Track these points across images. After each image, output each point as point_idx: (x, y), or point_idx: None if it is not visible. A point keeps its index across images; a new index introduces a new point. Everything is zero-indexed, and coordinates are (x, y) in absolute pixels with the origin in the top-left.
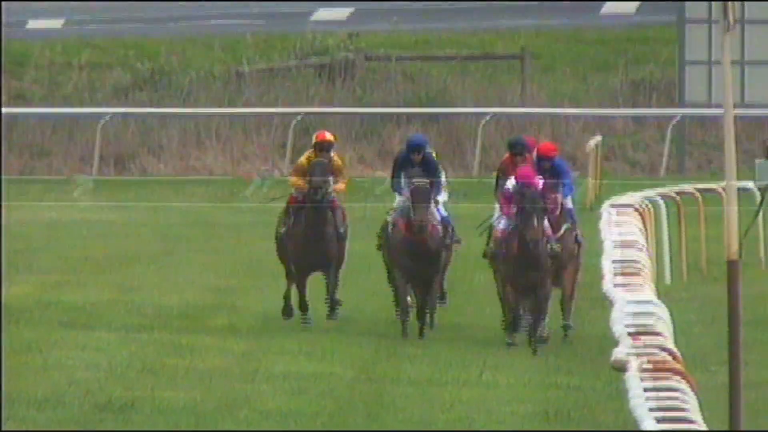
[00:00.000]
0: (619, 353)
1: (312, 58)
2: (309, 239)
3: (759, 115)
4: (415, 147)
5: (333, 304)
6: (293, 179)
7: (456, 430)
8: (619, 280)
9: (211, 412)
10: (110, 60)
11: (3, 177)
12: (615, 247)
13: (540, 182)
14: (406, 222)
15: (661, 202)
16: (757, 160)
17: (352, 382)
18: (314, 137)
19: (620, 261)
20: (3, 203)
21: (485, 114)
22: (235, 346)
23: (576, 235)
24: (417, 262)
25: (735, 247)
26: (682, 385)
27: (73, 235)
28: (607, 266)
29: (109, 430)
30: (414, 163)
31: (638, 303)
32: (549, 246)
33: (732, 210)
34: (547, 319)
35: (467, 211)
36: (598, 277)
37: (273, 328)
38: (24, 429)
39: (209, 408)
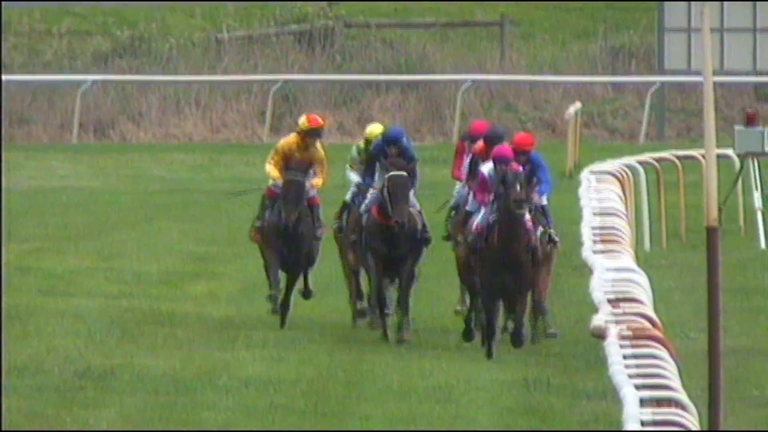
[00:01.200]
0: (598, 320)
1: (291, 26)
2: (284, 237)
3: (738, 82)
4: (392, 141)
5: (306, 295)
6: (270, 168)
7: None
8: (599, 247)
9: (191, 379)
10: (90, 27)
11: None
12: (594, 214)
13: (520, 168)
14: (378, 206)
15: (640, 169)
16: (737, 128)
17: (332, 349)
18: (302, 120)
19: (599, 228)
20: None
21: (464, 81)
22: (214, 314)
23: (550, 235)
24: (392, 247)
25: (714, 214)
26: (662, 352)
27: (53, 203)
28: (586, 233)
29: (88, 397)
30: (389, 156)
31: (617, 270)
32: (530, 239)
33: (711, 177)
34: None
35: (447, 179)
36: (578, 244)
37: (253, 296)
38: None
39: (189, 375)
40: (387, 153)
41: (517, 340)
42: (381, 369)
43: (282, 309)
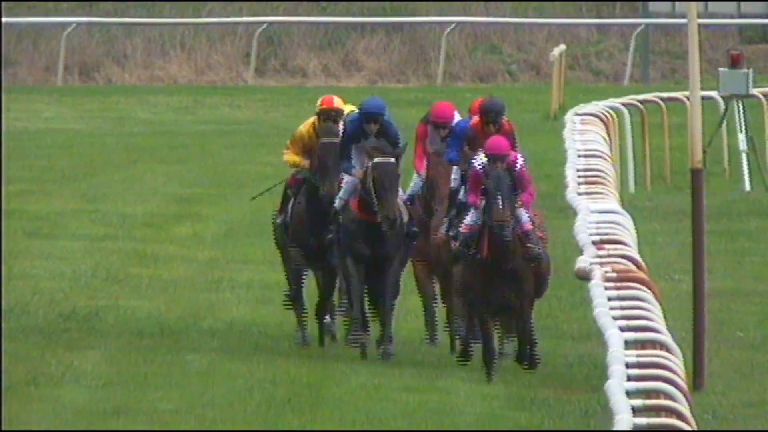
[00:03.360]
0: (582, 262)
1: None
2: (309, 225)
3: (723, 24)
4: (371, 115)
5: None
6: (289, 156)
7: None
8: (583, 189)
9: (175, 321)
10: None
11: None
12: (579, 156)
13: (519, 159)
14: (358, 200)
15: (625, 111)
16: (721, 70)
17: (315, 292)
18: (319, 102)
19: (584, 170)
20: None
21: (449, 23)
22: (199, 255)
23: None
24: (377, 247)
25: (699, 156)
26: (646, 294)
27: (38, 145)
28: (570, 175)
29: (73, 339)
30: (369, 135)
31: (602, 212)
32: (528, 246)
33: (696, 119)
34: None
35: None
36: (562, 186)
37: (237, 237)
38: None
39: (173, 317)
40: (366, 131)
41: (526, 357)
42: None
43: (320, 320)
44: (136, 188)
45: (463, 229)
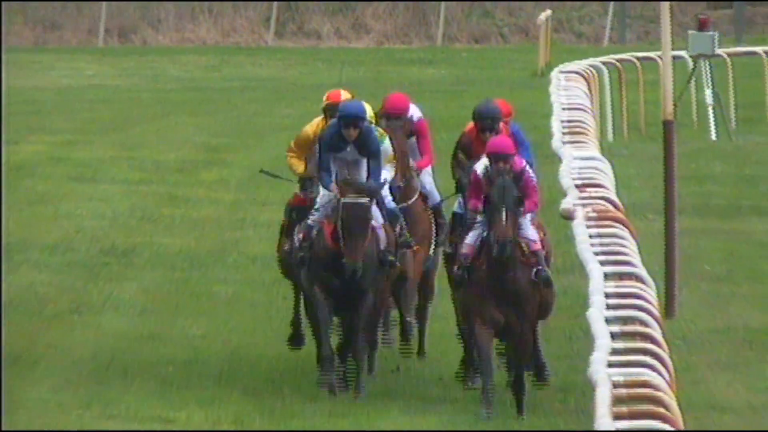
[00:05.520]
0: (566, 203)
1: None
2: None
3: None
4: (350, 119)
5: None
6: (293, 161)
7: None
8: (567, 138)
9: (204, 255)
10: None
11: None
12: (563, 109)
13: (523, 163)
14: (332, 227)
15: (604, 68)
16: (690, 32)
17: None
18: (325, 97)
19: (568, 121)
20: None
21: None
22: (224, 197)
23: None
24: (347, 280)
25: (670, 108)
26: (623, 231)
27: (82, 100)
28: (555, 126)
29: (112, 272)
30: (347, 142)
31: (584, 159)
32: (534, 271)
33: (667, 76)
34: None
35: (431, 77)
36: (548, 135)
37: (258, 181)
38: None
39: (202, 252)
40: (344, 137)
41: (518, 385)
42: None
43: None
44: (168, 138)
45: (464, 249)
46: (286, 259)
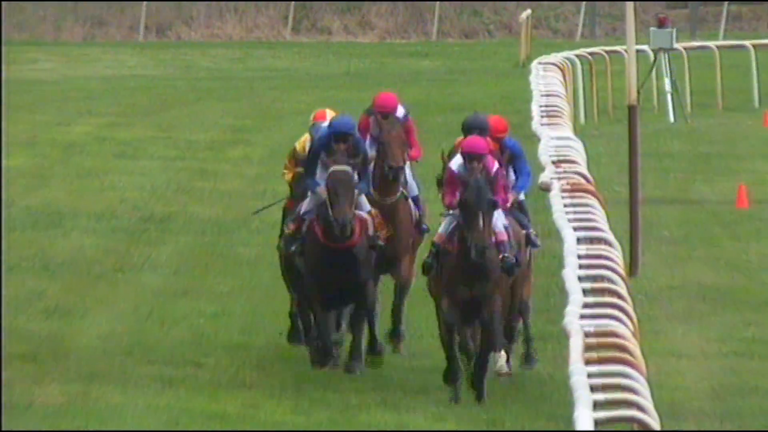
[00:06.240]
0: (544, 177)
1: None
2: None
3: None
4: (340, 135)
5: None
6: (289, 175)
7: None
8: (545, 120)
9: (230, 222)
10: None
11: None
12: (541, 95)
13: (495, 164)
14: (323, 225)
15: (577, 60)
16: (651, 29)
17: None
18: (312, 116)
19: (545, 106)
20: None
21: None
22: (248, 171)
23: (529, 236)
24: (339, 275)
25: (634, 95)
26: (593, 201)
27: (124, 87)
28: (535, 110)
29: (151, 237)
30: (335, 154)
31: (559, 138)
32: (502, 256)
33: (632, 67)
34: (504, 354)
35: (427, 68)
36: (528, 118)
37: (278, 158)
38: None
39: (228, 219)
40: (333, 149)
41: (480, 364)
42: None
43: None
44: (199, 120)
45: (436, 238)
46: (284, 254)
